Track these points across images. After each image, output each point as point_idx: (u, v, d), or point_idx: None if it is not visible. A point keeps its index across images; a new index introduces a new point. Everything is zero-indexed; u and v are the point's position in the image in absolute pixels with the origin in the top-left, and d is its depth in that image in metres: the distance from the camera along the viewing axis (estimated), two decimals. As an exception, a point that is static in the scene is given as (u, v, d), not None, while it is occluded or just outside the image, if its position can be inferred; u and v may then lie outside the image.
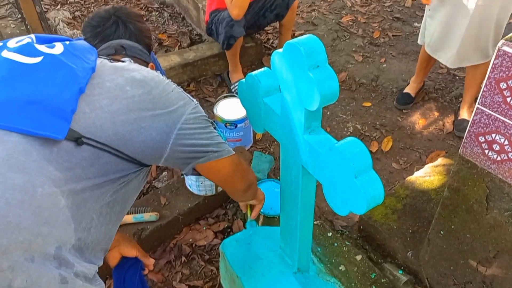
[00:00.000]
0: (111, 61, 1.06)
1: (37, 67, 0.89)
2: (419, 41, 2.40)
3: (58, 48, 0.94)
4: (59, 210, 0.82)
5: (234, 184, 1.24)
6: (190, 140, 1.04)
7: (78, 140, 0.85)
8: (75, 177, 0.85)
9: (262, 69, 1.28)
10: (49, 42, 0.97)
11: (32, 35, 0.97)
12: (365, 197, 0.97)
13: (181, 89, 1.11)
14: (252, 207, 1.56)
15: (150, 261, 1.33)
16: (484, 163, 1.23)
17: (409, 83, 2.62)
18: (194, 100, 1.10)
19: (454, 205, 1.39)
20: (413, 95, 2.56)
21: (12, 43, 0.94)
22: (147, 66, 1.22)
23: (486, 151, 1.21)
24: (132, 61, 1.18)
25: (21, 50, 0.91)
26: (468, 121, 2.31)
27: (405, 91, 2.58)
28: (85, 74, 0.92)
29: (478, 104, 1.17)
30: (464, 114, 2.37)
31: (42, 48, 0.93)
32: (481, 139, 1.21)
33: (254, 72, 1.27)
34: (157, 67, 1.67)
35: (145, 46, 1.56)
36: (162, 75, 1.26)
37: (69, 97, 0.87)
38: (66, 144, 0.85)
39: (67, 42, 0.99)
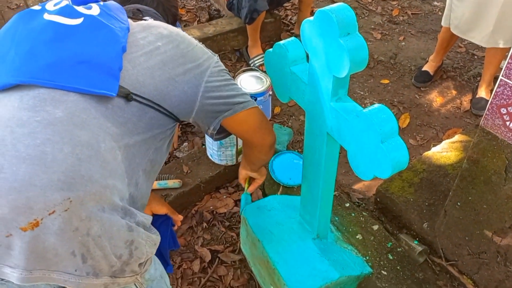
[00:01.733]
0: (134, 21, 1.09)
1: (79, 28, 0.92)
2: (443, 23, 2.37)
3: (95, 9, 0.97)
4: (118, 164, 0.87)
5: (263, 136, 1.24)
6: (217, 93, 1.07)
7: (128, 96, 0.89)
8: (129, 132, 0.90)
9: (289, 39, 1.31)
10: (84, 3, 0.99)
11: None
12: (390, 162, 1.01)
13: (203, 44, 1.14)
14: (251, 181, 1.59)
15: (178, 217, 1.39)
16: (505, 134, 1.26)
17: (427, 61, 2.62)
18: (216, 54, 1.13)
19: (472, 176, 1.42)
20: (431, 73, 2.56)
21: (51, 5, 0.97)
22: None
23: (508, 123, 1.24)
24: (152, 19, 1.20)
25: (62, 12, 0.94)
26: (486, 100, 2.32)
27: (423, 69, 2.59)
28: (124, 33, 0.96)
29: (502, 76, 1.20)
30: (482, 92, 2.38)
31: (81, 9, 0.96)
32: (503, 110, 1.24)
33: (282, 41, 1.30)
34: None
35: (171, 15, 1.59)
36: None
37: (115, 56, 0.90)
38: (118, 101, 0.89)
39: (101, 3, 1.02)
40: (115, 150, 0.86)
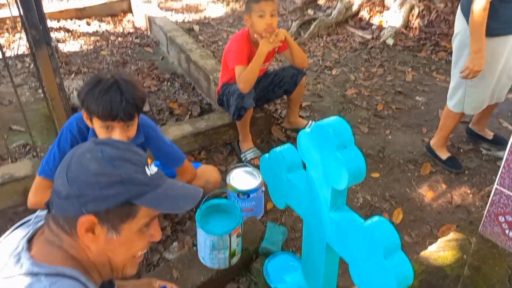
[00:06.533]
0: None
1: None
2: (456, 110, 2.48)
3: None
4: None
5: None
6: None
7: None
8: None
9: (285, 146, 1.33)
10: None
11: None
12: (395, 279, 0.98)
13: None
14: None
15: None
16: (505, 243, 1.24)
17: (436, 150, 2.71)
18: None
19: (475, 284, 1.38)
20: (452, 155, 2.69)
21: None
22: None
23: (507, 231, 1.23)
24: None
25: None
26: None
27: (446, 157, 2.67)
28: None
29: (497, 184, 1.21)
30: None
31: None
32: (501, 219, 1.23)
33: (277, 148, 1.31)
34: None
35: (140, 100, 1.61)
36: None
37: None
38: None
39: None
40: None
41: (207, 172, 2.20)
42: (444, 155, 2.70)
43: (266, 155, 1.37)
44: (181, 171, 2.00)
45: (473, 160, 2.74)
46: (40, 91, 3.22)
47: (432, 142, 2.74)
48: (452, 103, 2.49)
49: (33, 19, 2.08)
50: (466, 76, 2.26)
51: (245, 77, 2.46)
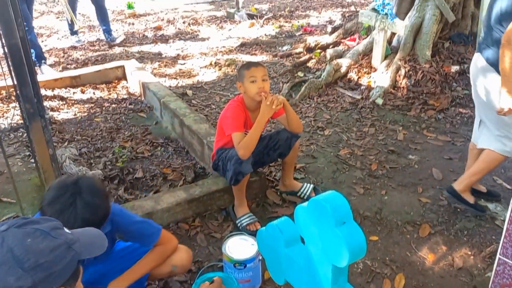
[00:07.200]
0: None
1: None
2: (509, 155, 2.55)
3: None
4: None
5: None
6: None
7: None
8: None
9: (282, 219, 1.30)
10: None
11: None
12: None
13: None
14: None
15: None
16: (515, 315, 1.20)
17: (463, 195, 2.74)
18: None
19: None
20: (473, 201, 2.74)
21: None
22: None
23: (516, 303, 1.19)
24: None
25: None
26: None
27: (475, 201, 2.72)
28: None
29: (500, 255, 1.18)
30: None
31: None
32: (509, 290, 1.19)
33: (274, 222, 1.29)
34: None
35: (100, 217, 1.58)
36: None
37: None
38: None
39: None
40: None
41: (176, 254, 1.97)
42: (471, 199, 2.74)
43: (263, 228, 1.34)
44: (160, 244, 1.89)
45: (471, 220, 2.71)
46: (32, 160, 3.21)
47: (459, 187, 2.75)
48: (506, 149, 2.53)
49: (27, 94, 2.10)
50: (505, 113, 2.37)
51: (246, 144, 2.47)
